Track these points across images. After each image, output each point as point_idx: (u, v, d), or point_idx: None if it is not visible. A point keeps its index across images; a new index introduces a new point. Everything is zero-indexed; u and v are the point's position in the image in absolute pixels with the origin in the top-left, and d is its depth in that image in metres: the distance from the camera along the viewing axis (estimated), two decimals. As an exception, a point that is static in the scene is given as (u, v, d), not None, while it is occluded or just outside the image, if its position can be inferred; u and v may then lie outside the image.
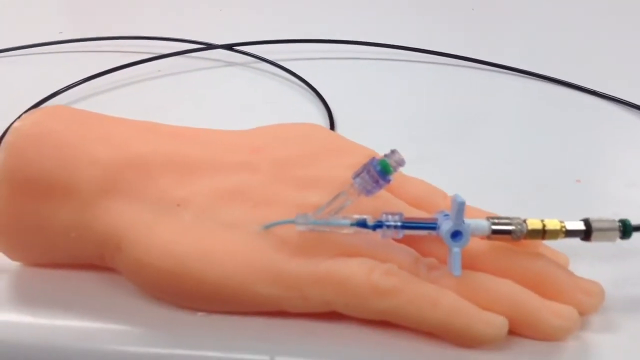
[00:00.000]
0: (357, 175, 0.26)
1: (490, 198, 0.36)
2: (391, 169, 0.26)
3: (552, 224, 0.27)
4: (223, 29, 0.63)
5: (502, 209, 0.29)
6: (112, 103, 0.48)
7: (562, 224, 0.27)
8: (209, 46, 0.55)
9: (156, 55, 0.53)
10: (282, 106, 0.48)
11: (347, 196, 0.26)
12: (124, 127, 0.30)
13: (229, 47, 0.55)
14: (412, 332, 0.25)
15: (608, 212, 0.28)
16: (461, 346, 0.25)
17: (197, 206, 0.27)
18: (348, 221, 0.26)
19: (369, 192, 0.26)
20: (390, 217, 0.26)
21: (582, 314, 0.26)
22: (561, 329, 0.25)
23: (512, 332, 0.25)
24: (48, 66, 0.55)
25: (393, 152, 0.26)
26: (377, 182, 0.26)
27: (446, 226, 0.26)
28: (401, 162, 0.26)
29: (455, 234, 0.26)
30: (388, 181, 0.26)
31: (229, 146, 0.30)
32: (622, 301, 0.28)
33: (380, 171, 0.26)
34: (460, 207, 0.25)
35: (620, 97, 0.48)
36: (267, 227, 0.26)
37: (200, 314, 0.27)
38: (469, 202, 0.30)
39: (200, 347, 0.26)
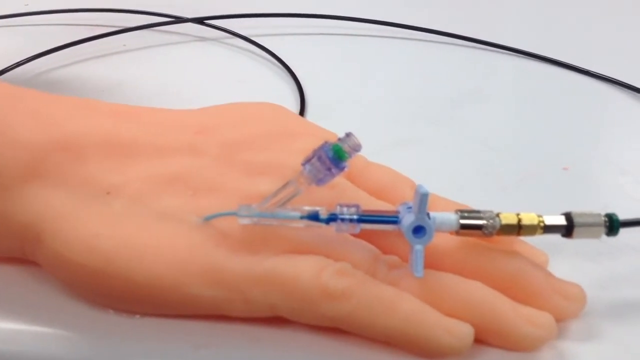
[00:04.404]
0: (307, 161, 0.23)
1: (471, 187, 0.33)
2: (345, 154, 0.23)
3: (529, 218, 0.24)
4: (193, 1, 0.60)
5: (483, 199, 0.26)
6: (73, 77, 0.45)
7: (540, 219, 0.24)
8: (178, 19, 0.52)
9: (122, 28, 0.50)
10: (252, 84, 0.45)
11: (296, 185, 0.23)
12: (57, 104, 0.27)
13: (200, 20, 0.52)
14: (367, 340, 0.22)
15: (597, 204, 0.25)
16: (421, 357, 0.22)
17: (130, 194, 0.24)
18: (298, 213, 0.23)
19: (320, 181, 0.23)
20: (345, 209, 0.23)
21: (559, 319, 0.23)
22: (534, 337, 0.22)
23: (480, 340, 0.22)
24: (12, 39, 0.52)
25: (348, 135, 0.23)
26: (329, 169, 0.23)
27: (407, 220, 0.23)
28: (357, 147, 0.23)
29: (418, 230, 0.23)
30: (342, 169, 0.23)
31: (172, 127, 0.27)
32: (606, 305, 0.25)
33: (333, 157, 0.22)
34: (423, 199, 0.22)
35: (615, 78, 0.44)
36: (207, 219, 0.23)
37: (130, 316, 0.24)
38: (446, 192, 0.28)
39: (129, 353, 0.23)
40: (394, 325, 0.22)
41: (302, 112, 0.40)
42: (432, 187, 0.27)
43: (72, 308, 0.24)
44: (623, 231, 0.24)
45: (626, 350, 0.23)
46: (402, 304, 0.22)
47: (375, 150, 0.29)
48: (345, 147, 0.23)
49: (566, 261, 0.27)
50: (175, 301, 0.23)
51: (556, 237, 0.24)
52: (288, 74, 0.45)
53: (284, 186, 0.23)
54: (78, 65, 0.47)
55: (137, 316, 0.24)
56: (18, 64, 0.44)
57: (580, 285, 0.24)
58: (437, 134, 0.39)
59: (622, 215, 0.24)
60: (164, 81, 0.45)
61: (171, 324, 0.23)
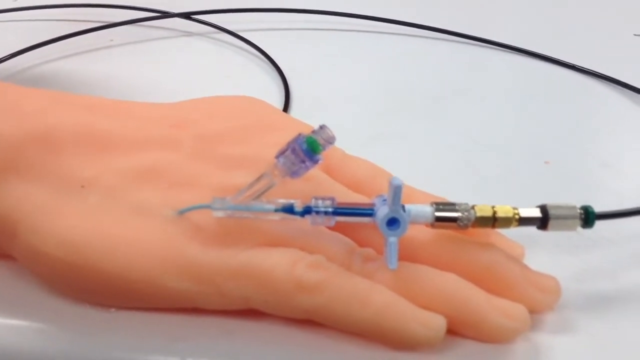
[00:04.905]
0: (280, 154, 0.23)
1: (453, 180, 0.33)
2: (320, 147, 0.23)
3: (504, 210, 0.24)
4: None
5: (465, 193, 0.26)
6: (60, 73, 0.45)
7: (515, 211, 0.24)
8: (165, 14, 0.52)
9: (109, 23, 0.50)
10: (238, 79, 0.45)
11: (270, 178, 0.23)
12: (32, 98, 0.27)
13: (187, 15, 0.52)
14: (340, 332, 0.22)
15: (579, 197, 0.25)
16: (394, 349, 0.22)
17: (104, 187, 0.24)
18: (272, 206, 0.23)
19: (294, 174, 0.23)
20: (320, 201, 0.23)
21: (534, 312, 0.23)
22: (508, 329, 0.22)
23: (454, 332, 0.22)
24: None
25: (322, 127, 0.23)
26: (303, 162, 0.23)
27: (382, 213, 0.23)
28: (331, 140, 0.23)
29: (392, 222, 0.23)
30: (316, 161, 0.23)
31: (148, 120, 0.27)
32: (581, 298, 0.25)
33: (307, 150, 0.22)
34: (396, 191, 0.22)
35: (597, 71, 0.44)
36: (182, 212, 0.23)
37: (106, 309, 0.24)
38: (429, 186, 0.28)
39: (105, 347, 0.23)
40: (367, 318, 0.22)
41: (286, 106, 0.40)
42: (414, 180, 0.28)
43: (48, 302, 0.24)
44: (600, 224, 0.24)
45: (600, 343, 0.23)
46: (375, 296, 0.22)
47: (360, 145, 0.29)
48: (319, 139, 0.23)
49: (543, 254, 0.27)
50: (150, 294, 0.23)
51: (533, 230, 0.24)
52: (274, 69, 0.45)
53: (258, 179, 0.23)
54: (65, 60, 0.47)
55: (113, 310, 0.24)
56: (3, 59, 0.44)
57: (555, 277, 0.24)
58: (421, 128, 0.39)
59: (604, 208, 0.24)
60: (151, 76, 0.45)
61: (147, 318, 0.23)
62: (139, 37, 0.50)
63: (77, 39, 0.48)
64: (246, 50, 0.48)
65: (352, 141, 0.29)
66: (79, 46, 0.48)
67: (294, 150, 0.22)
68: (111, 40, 0.49)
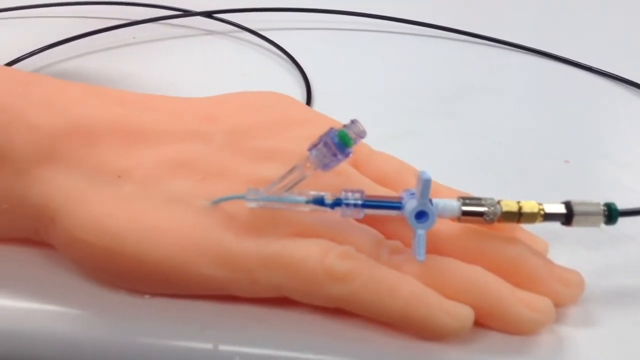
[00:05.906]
0: (313, 147, 0.23)
1: (473, 179, 0.34)
2: (351, 140, 0.23)
3: (529, 206, 0.24)
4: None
5: (485, 191, 0.26)
6: (83, 69, 0.46)
7: (541, 207, 0.24)
8: (187, 13, 0.53)
9: (131, 21, 0.51)
10: (260, 77, 0.45)
11: (302, 170, 0.23)
12: (68, 90, 0.27)
13: (209, 14, 0.52)
14: (369, 321, 0.23)
15: (598, 196, 0.26)
16: (421, 338, 0.23)
17: (140, 178, 0.25)
18: (304, 198, 0.24)
19: (326, 166, 0.23)
20: (350, 194, 0.24)
21: (558, 305, 0.24)
22: (533, 321, 0.23)
23: (480, 323, 0.23)
24: (23, 30, 0.53)
25: (353, 122, 0.23)
26: (335, 155, 0.23)
27: (410, 206, 0.23)
28: (362, 134, 0.23)
29: (420, 215, 0.23)
30: (347, 154, 0.23)
31: (181, 114, 0.27)
32: (604, 292, 0.26)
33: (339, 143, 0.23)
34: (425, 185, 0.23)
35: (616, 74, 0.45)
36: (215, 202, 0.24)
37: (140, 295, 0.24)
38: (449, 182, 0.28)
39: (139, 332, 0.23)
40: (395, 307, 0.22)
41: (308, 104, 0.41)
42: (435, 177, 0.28)
43: (84, 288, 0.25)
44: (622, 221, 0.24)
45: (622, 336, 0.24)
46: (403, 286, 0.22)
47: (380, 142, 0.29)
48: (351, 133, 0.23)
49: (566, 249, 0.27)
50: (185, 281, 0.24)
51: (557, 226, 0.25)
52: (295, 68, 0.45)
53: (291, 171, 0.24)
54: (87, 57, 0.47)
55: (147, 296, 0.24)
56: (29, 55, 0.45)
57: (579, 272, 0.25)
58: (441, 127, 0.39)
59: (623, 207, 0.25)
60: (172, 74, 0.46)
61: (180, 304, 0.24)
62: (160, 35, 0.51)
63: (99, 36, 0.49)
64: (268, 49, 0.49)
65: (372, 139, 0.29)
66: (101, 43, 0.49)
67: (326, 144, 0.23)
68: (133, 37, 0.50)
